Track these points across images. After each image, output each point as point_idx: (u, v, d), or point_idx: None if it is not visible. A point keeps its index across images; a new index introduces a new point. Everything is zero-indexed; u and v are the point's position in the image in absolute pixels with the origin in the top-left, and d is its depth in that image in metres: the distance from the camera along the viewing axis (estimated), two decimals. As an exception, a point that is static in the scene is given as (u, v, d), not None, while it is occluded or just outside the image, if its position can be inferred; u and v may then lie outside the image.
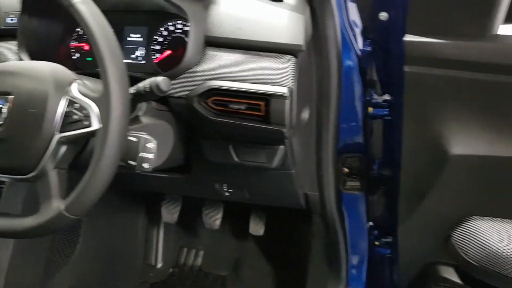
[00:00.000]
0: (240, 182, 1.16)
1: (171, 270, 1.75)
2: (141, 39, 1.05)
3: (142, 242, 1.74)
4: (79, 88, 0.73)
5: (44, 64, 0.76)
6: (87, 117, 0.69)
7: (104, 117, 0.67)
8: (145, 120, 0.86)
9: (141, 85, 0.75)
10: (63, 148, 0.72)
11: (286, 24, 0.87)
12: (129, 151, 0.74)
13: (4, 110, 0.72)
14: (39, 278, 1.27)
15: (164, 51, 1.04)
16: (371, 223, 1.25)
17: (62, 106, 0.71)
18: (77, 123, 0.70)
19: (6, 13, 1.04)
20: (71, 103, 0.71)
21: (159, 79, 0.74)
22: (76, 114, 0.70)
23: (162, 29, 1.04)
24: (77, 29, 1.10)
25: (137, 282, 1.70)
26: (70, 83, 0.73)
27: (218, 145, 1.02)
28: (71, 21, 1.09)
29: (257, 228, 1.50)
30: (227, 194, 1.21)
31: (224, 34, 0.89)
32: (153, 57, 1.04)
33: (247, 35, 0.88)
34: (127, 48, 1.06)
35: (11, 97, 0.72)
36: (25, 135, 0.71)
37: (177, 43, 1.03)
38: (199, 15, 0.91)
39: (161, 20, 1.05)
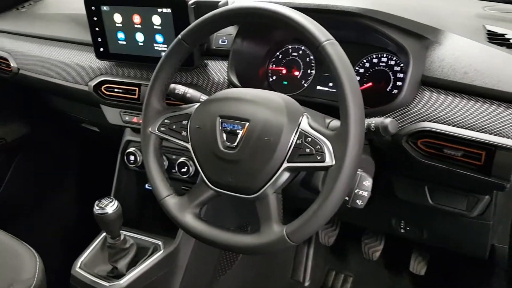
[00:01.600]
0: (422, 222, 1.12)
1: None
2: None
3: (291, 258, 1.78)
4: (309, 122, 0.76)
5: (277, 96, 0.81)
6: (320, 152, 0.72)
7: (339, 155, 0.69)
8: None
9: (366, 123, 0.76)
10: (285, 176, 0.77)
11: None
12: None
13: (239, 134, 0.78)
14: (209, 277, 1.37)
15: (365, 83, 1.04)
16: None
17: (293, 138, 0.75)
18: (308, 156, 0.73)
19: (218, 34, 1.14)
20: (301, 135, 0.75)
21: (387, 121, 0.75)
22: (308, 147, 0.73)
23: (364, 60, 1.05)
24: (277, 53, 1.17)
25: None
26: (301, 116, 0.77)
27: (411, 184, 1.00)
28: (274, 46, 1.17)
29: (418, 267, 1.43)
30: (402, 231, 1.17)
31: (445, 76, 0.86)
32: None
33: (473, 80, 0.83)
34: (324, 77, 1.09)
35: (246, 123, 0.78)
36: (256, 160, 0.77)
37: (380, 76, 1.03)
38: (420, 54, 0.90)
39: (363, 52, 1.05)
